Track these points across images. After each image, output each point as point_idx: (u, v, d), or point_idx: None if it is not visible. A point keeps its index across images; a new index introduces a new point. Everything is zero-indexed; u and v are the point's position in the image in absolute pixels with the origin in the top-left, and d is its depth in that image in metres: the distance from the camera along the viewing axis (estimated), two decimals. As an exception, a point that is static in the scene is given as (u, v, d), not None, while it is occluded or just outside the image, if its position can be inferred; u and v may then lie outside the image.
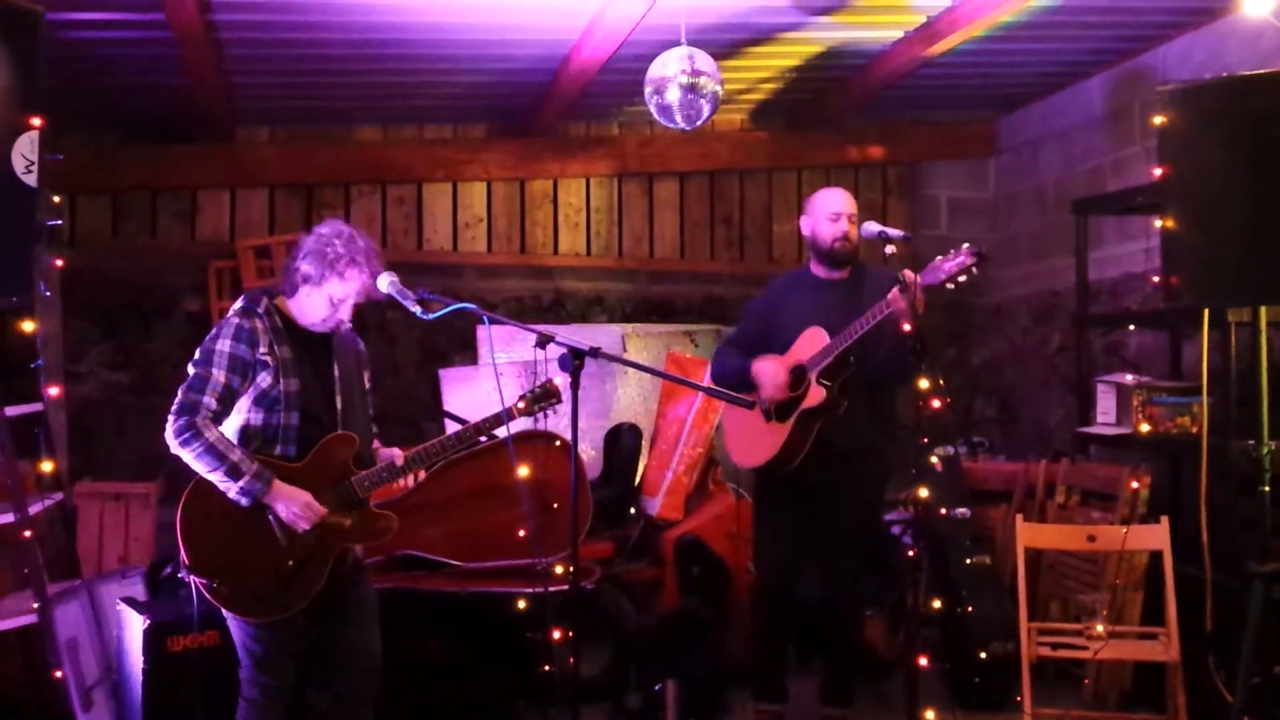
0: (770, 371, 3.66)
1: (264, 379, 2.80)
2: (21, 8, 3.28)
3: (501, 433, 3.12)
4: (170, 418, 2.74)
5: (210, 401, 2.74)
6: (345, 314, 2.91)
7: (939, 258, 3.30)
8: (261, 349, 2.81)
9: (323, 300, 2.86)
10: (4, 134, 3.25)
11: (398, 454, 2.97)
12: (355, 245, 2.87)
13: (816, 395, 3.55)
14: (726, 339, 4.00)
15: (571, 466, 2.96)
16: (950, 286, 3.29)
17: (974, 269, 3.23)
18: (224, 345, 2.79)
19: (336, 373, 2.95)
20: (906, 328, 3.20)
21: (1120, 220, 5.28)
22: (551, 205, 6.10)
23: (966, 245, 3.28)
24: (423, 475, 3.04)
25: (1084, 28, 4.81)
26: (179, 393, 2.76)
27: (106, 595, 3.89)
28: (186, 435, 2.71)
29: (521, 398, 3.06)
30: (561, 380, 2.95)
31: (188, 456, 2.72)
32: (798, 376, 3.63)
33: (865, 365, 3.59)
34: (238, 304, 2.91)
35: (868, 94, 5.56)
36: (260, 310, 2.88)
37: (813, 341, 3.60)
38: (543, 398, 3.06)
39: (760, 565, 3.97)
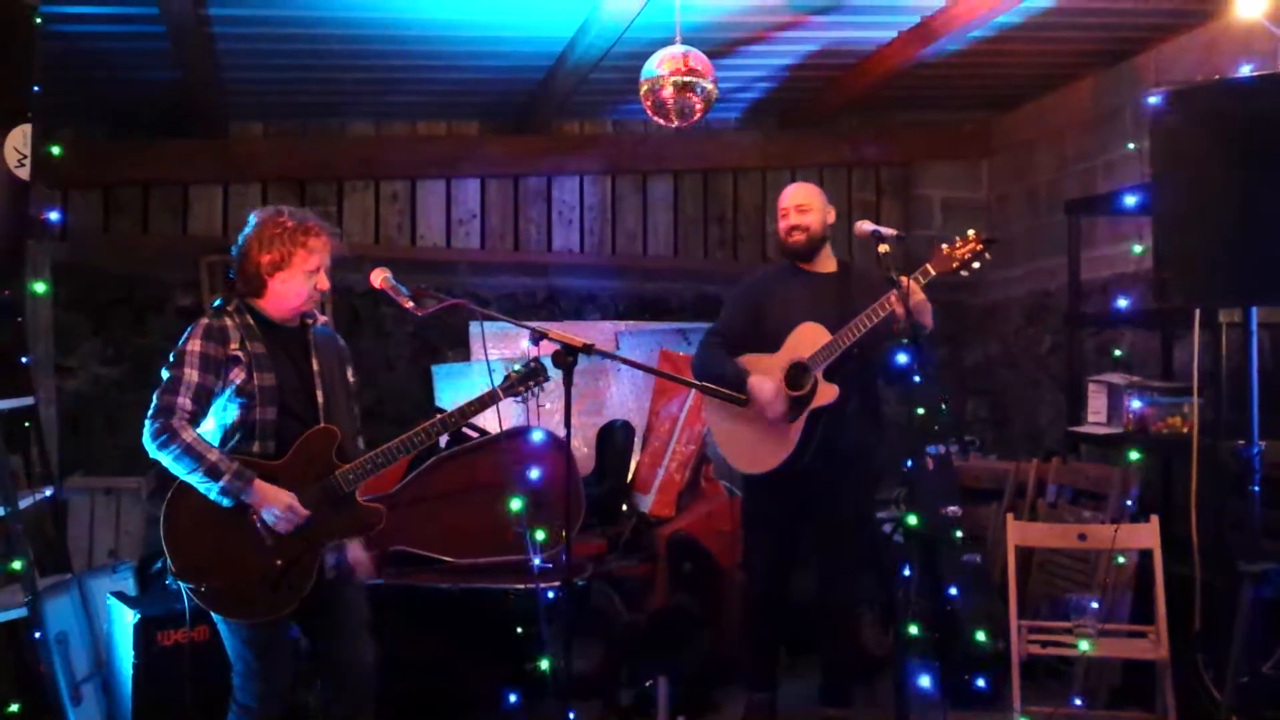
0: (770, 395, 3.56)
1: (237, 375, 2.78)
2: (15, 1, 3.27)
3: (495, 430, 3.11)
4: (147, 422, 2.72)
5: (185, 402, 2.72)
6: (324, 283, 2.89)
7: (944, 245, 3.34)
8: (233, 345, 2.79)
9: (299, 278, 2.84)
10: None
11: None
12: (297, 214, 2.88)
13: (829, 393, 3.51)
14: (711, 329, 3.89)
15: (564, 463, 2.96)
16: (964, 274, 3.32)
17: (986, 254, 3.28)
18: (194, 345, 2.77)
19: (316, 367, 2.92)
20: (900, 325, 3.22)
21: (1112, 221, 5.30)
22: (545, 202, 6.10)
23: (973, 232, 3.32)
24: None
25: (1078, 29, 4.82)
26: (154, 397, 2.75)
27: (97, 589, 3.88)
28: (163, 438, 2.68)
29: (506, 377, 3.02)
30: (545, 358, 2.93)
31: (166, 459, 2.70)
32: (797, 373, 3.60)
33: (866, 364, 3.59)
34: (209, 307, 2.92)
35: (862, 94, 5.57)
36: (230, 309, 2.86)
37: (812, 337, 3.56)
38: (528, 376, 3.02)
39: (750, 565, 3.94)
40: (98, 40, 4.34)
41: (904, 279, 3.22)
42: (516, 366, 3.04)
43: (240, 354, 2.79)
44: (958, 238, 3.33)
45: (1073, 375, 4.95)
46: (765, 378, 3.61)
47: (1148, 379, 4.48)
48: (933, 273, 3.32)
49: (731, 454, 3.83)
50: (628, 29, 4.23)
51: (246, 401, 2.79)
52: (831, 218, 3.80)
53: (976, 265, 3.29)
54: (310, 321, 2.97)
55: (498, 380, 3.04)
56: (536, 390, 3.05)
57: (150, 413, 2.72)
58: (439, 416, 3.00)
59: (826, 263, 3.80)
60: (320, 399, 2.90)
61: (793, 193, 3.80)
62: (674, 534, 4.64)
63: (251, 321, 2.86)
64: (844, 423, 3.58)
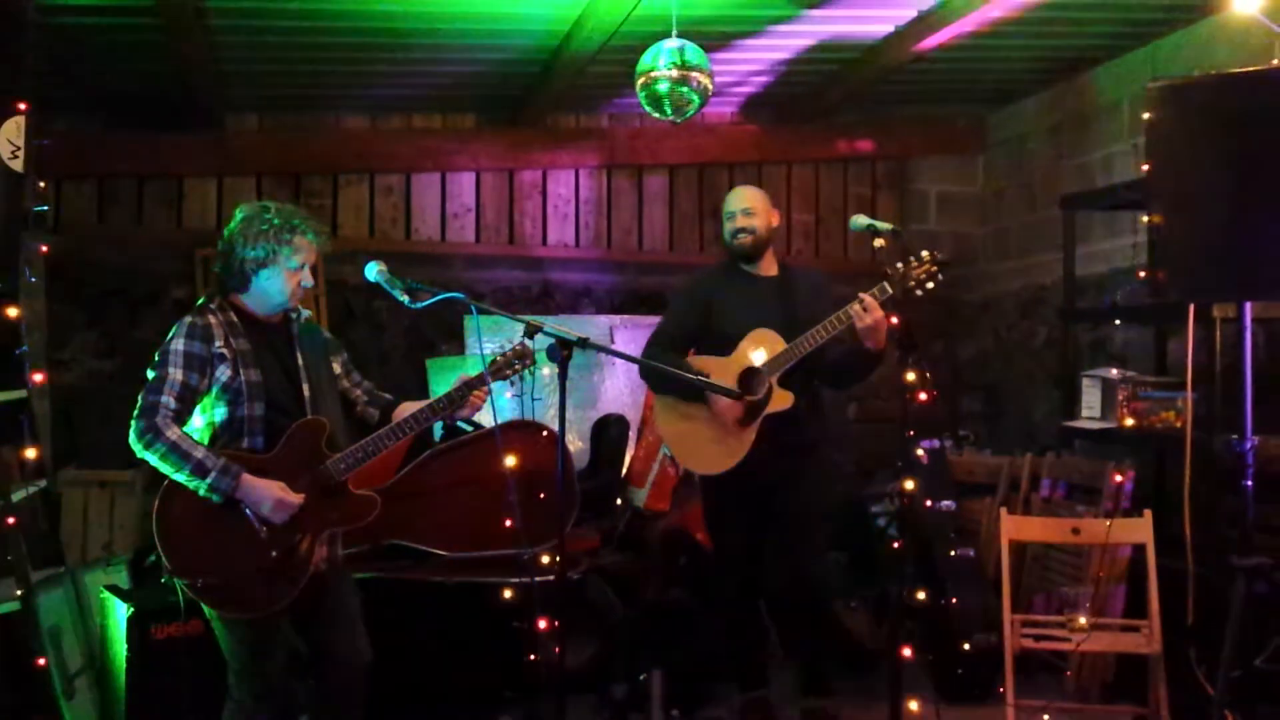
0: (729, 409, 3.59)
1: (223, 372, 2.78)
2: (8, -9, 3.26)
3: (489, 423, 3.10)
4: (132, 422, 2.72)
5: (169, 401, 2.72)
6: (309, 279, 2.90)
7: (899, 265, 3.40)
8: (217, 343, 2.79)
9: (282, 275, 2.84)
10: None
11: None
12: (284, 210, 2.88)
13: (784, 400, 3.58)
14: (658, 332, 3.87)
15: (559, 457, 2.95)
16: (919, 293, 3.39)
17: (940, 276, 3.37)
18: (178, 344, 2.77)
19: (300, 361, 2.93)
20: (896, 329, 3.28)
21: (1108, 216, 5.30)
22: (541, 196, 6.09)
23: (927, 253, 3.40)
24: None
25: (1074, 24, 4.82)
26: (139, 397, 2.74)
27: (90, 583, 3.87)
28: (148, 437, 2.69)
29: (492, 361, 3.00)
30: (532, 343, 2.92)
31: (152, 459, 2.70)
32: (750, 379, 3.63)
33: (813, 367, 3.65)
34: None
35: (858, 88, 5.56)
36: (213, 306, 2.87)
37: (765, 343, 3.61)
38: (515, 360, 3.01)
39: (721, 558, 3.94)
40: (94, 31, 4.32)
41: (864, 295, 3.36)
42: (504, 350, 3.03)
43: (225, 351, 2.79)
44: (913, 258, 3.41)
45: (1067, 370, 4.95)
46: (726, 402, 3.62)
47: (1142, 374, 4.49)
48: (890, 291, 3.39)
49: (683, 454, 3.89)
50: (624, 22, 4.22)
51: (233, 398, 2.79)
52: (775, 220, 3.86)
53: (931, 285, 3.38)
54: (293, 316, 2.97)
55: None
56: (524, 374, 3.05)
57: (136, 413, 2.73)
58: (427, 403, 2.99)
59: (769, 265, 3.86)
60: (306, 392, 2.90)
61: (738, 196, 3.85)
62: (668, 528, 4.65)
63: (235, 318, 2.86)
64: (794, 423, 3.64)
